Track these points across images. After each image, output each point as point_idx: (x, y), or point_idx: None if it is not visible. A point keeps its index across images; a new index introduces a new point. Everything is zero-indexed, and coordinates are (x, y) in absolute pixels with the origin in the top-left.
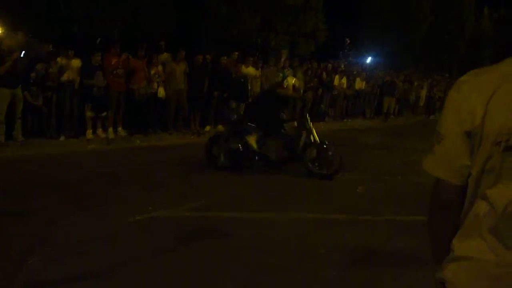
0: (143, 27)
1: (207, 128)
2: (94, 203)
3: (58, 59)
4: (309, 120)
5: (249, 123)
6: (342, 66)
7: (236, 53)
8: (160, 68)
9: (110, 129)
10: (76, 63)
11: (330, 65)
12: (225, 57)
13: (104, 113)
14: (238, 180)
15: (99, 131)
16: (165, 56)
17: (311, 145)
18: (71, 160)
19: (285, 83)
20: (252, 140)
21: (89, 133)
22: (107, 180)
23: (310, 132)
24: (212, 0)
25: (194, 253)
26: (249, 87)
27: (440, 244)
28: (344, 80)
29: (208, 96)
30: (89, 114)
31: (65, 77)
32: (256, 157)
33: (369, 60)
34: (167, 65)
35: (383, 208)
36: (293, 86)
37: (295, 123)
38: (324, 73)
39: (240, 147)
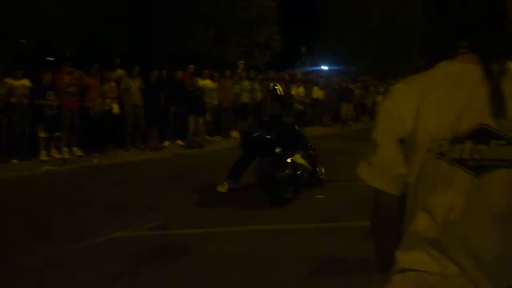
0: (95, 44)
1: (166, 143)
2: (50, 228)
3: (7, 80)
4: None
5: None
6: (299, 75)
7: (192, 66)
8: (113, 84)
9: (65, 149)
10: (25, 83)
11: (286, 75)
12: (181, 71)
13: (58, 133)
14: (195, 196)
15: (54, 151)
16: (119, 72)
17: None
18: (25, 183)
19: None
20: (300, 160)
21: (43, 154)
22: (62, 203)
23: None
24: (165, 15)
25: (156, 273)
26: (207, 100)
27: (383, 254)
28: (301, 89)
29: (165, 111)
30: (42, 134)
31: (14, 98)
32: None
33: (325, 68)
34: (122, 81)
35: (344, 215)
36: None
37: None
38: (280, 83)
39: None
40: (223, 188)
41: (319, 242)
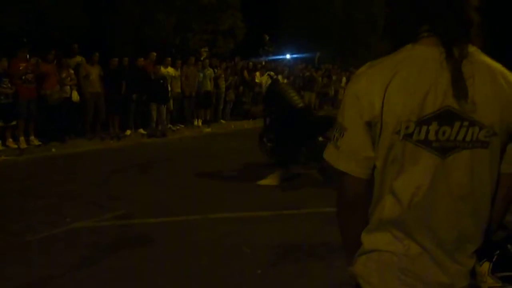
0: (52, 30)
1: (128, 132)
2: (6, 219)
3: None
4: None
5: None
6: (263, 63)
7: (154, 54)
8: (72, 71)
9: (22, 138)
10: None
11: (251, 63)
12: (142, 59)
13: (14, 122)
14: (157, 185)
15: (10, 141)
16: (78, 59)
17: None
18: None
19: (258, 80)
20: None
21: None
22: (19, 193)
23: None
24: (124, 1)
25: (117, 263)
26: (169, 88)
27: (350, 238)
28: (264, 78)
29: (126, 99)
30: None
31: None
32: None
33: (288, 56)
34: (81, 68)
35: (307, 201)
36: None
37: None
38: (245, 71)
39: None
40: (273, 181)
41: (281, 229)
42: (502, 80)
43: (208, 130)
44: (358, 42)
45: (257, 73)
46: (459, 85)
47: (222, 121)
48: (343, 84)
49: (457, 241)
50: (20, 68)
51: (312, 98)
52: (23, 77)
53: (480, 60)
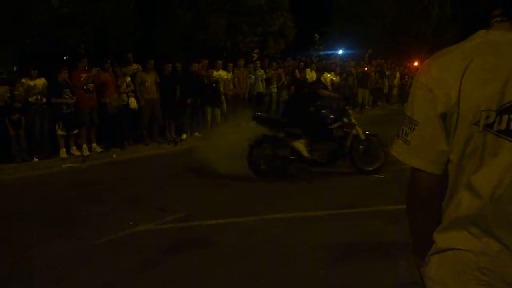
0: (109, 41)
1: (184, 136)
2: (73, 224)
3: (23, 80)
4: (351, 115)
5: (289, 128)
6: (314, 60)
7: (206, 60)
8: (128, 79)
9: (85, 146)
10: (41, 82)
11: (302, 63)
12: (196, 64)
13: (76, 131)
14: (214, 187)
15: (73, 149)
16: (134, 67)
17: (357, 142)
18: (47, 181)
19: (323, 79)
20: (300, 147)
21: (63, 152)
22: (85, 199)
23: (354, 127)
24: (177, 7)
25: (181, 265)
26: (222, 91)
27: (422, 237)
28: (314, 74)
29: (181, 103)
30: (60, 132)
31: (31, 97)
32: (305, 163)
33: (340, 52)
34: (137, 75)
35: (362, 201)
36: (332, 81)
37: (340, 123)
38: (296, 70)
39: (289, 154)
40: None
41: (340, 228)
42: None
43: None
44: (411, 36)
45: (307, 70)
46: None
47: None
48: (397, 79)
49: None
50: (82, 78)
51: (366, 95)
52: (85, 87)
53: None
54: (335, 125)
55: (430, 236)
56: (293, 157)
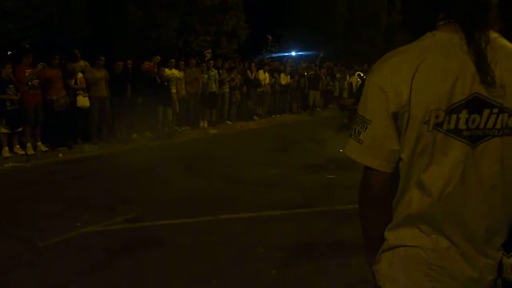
0: (56, 36)
1: (134, 135)
2: (16, 226)
3: None
4: None
5: None
6: (265, 62)
7: (158, 57)
8: (80, 75)
9: (29, 145)
10: None
11: (253, 64)
12: (147, 62)
13: (20, 128)
14: (167, 187)
15: (17, 147)
16: (82, 63)
17: None
18: None
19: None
20: None
21: (5, 151)
22: (29, 200)
23: None
24: (128, 4)
25: (130, 267)
26: (175, 90)
27: (373, 235)
28: (267, 75)
29: (132, 102)
30: (3, 130)
31: None
32: None
33: (293, 53)
34: (87, 72)
35: (317, 200)
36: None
37: None
38: (248, 71)
39: None
40: None
41: (294, 228)
42: None
43: (214, 131)
44: (361, 40)
45: (260, 71)
46: (485, 71)
47: (228, 122)
48: (347, 82)
49: (486, 234)
50: (26, 74)
51: (317, 97)
52: (30, 83)
53: (503, 46)
54: None
55: (381, 234)
56: None
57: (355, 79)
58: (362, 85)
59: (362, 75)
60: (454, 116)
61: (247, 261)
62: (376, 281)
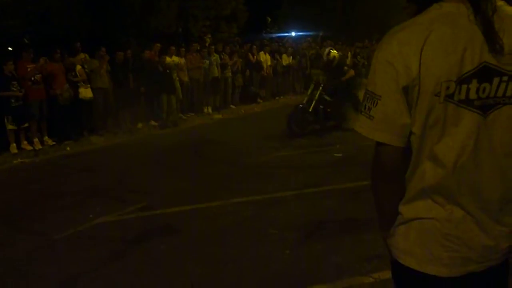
0: (56, 30)
1: (139, 125)
2: (30, 221)
3: None
4: None
5: None
6: (267, 44)
7: (159, 45)
8: (79, 67)
9: (36, 140)
10: None
11: (254, 46)
12: (148, 51)
13: (26, 124)
14: (176, 175)
15: (24, 143)
16: (81, 56)
17: None
18: None
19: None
20: None
21: (13, 147)
22: (40, 194)
23: None
24: None
25: (147, 254)
26: (177, 77)
27: (387, 210)
28: (268, 57)
29: (135, 92)
30: (10, 127)
31: None
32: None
33: (293, 34)
34: (88, 64)
35: (325, 179)
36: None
37: None
38: (250, 54)
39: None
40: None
41: (304, 208)
42: None
43: (218, 116)
44: (363, 16)
45: (261, 53)
46: (492, 39)
47: (232, 106)
48: (349, 59)
49: (500, 202)
50: (29, 69)
51: (320, 75)
52: (32, 79)
53: (510, 13)
54: None
55: (395, 209)
56: None
57: (337, 53)
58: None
59: (332, 50)
60: (464, 87)
61: (260, 243)
62: (391, 254)
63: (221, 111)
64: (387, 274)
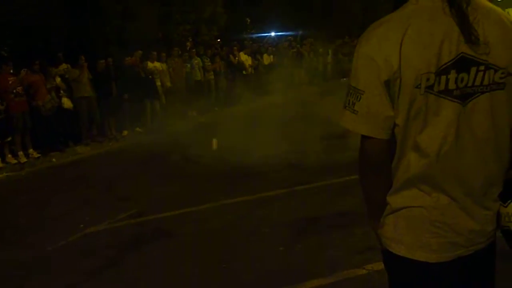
0: (35, 40)
1: (125, 132)
2: (22, 232)
3: None
4: None
5: None
6: (247, 45)
7: (140, 51)
8: (58, 79)
9: (21, 153)
10: None
11: (235, 47)
12: (129, 57)
13: (10, 138)
14: (164, 180)
15: (9, 157)
16: (64, 66)
17: None
18: None
19: None
20: None
21: None
22: (30, 206)
23: None
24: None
25: (141, 260)
26: (159, 82)
27: (375, 202)
28: (248, 58)
29: (118, 99)
30: None
31: None
32: None
33: (273, 34)
34: (69, 74)
35: (314, 176)
36: None
37: None
38: (231, 55)
39: None
40: None
41: (295, 205)
42: (507, 22)
43: (203, 119)
44: (340, 12)
45: (241, 53)
46: (468, 30)
47: (216, 109)
48: (329, 56)
49: (484, 186)
50: (10, 82)
51: (301, 75)
52: (14, 91)
53: (483, 5)
54: None
55: (383, 200)
56: None
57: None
58: None
59: None
60: (443, 77)
61: (254, 241)
62: (382, 244)
63: (205, 114)
64: (380, 265)
